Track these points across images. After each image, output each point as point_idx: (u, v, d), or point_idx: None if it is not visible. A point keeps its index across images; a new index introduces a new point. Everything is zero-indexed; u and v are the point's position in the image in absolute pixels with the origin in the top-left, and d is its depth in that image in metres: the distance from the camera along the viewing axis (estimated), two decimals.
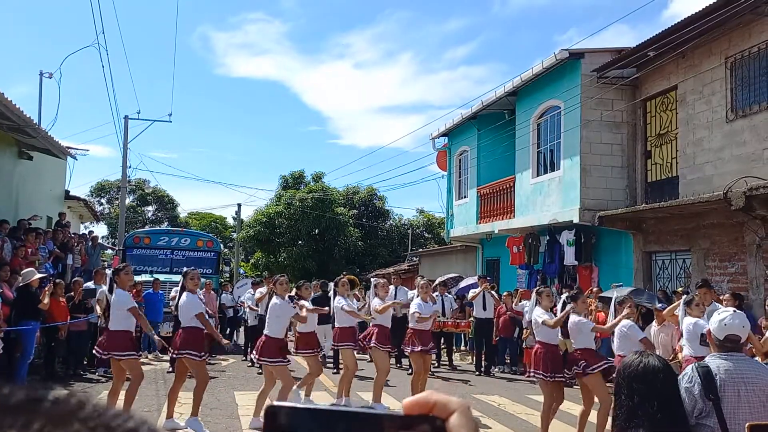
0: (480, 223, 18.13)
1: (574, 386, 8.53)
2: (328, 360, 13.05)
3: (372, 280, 10.04)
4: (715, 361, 3.38)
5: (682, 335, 7.62)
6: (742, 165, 10.40)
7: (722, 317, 3.51)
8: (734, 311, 3.67)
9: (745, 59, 10.63)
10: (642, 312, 9.89)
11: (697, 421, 3.27)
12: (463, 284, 16.25)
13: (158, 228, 33.74)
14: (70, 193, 22.12)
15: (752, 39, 10.42)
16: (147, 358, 13.52)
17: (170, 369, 11.10)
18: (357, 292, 13.61)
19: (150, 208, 46.56)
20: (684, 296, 8.00)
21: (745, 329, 3.59)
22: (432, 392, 0.56)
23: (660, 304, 9.29)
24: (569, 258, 14.21)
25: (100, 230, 42.16)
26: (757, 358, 7.86)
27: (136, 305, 7.41)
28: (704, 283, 8.91)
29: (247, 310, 13.96)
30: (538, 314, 7.43)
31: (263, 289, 12.06)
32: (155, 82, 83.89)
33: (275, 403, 0.56)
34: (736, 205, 9.50)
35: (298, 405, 0.56)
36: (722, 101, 11.02)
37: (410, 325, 9.38)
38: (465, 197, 19.46)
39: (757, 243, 10.20)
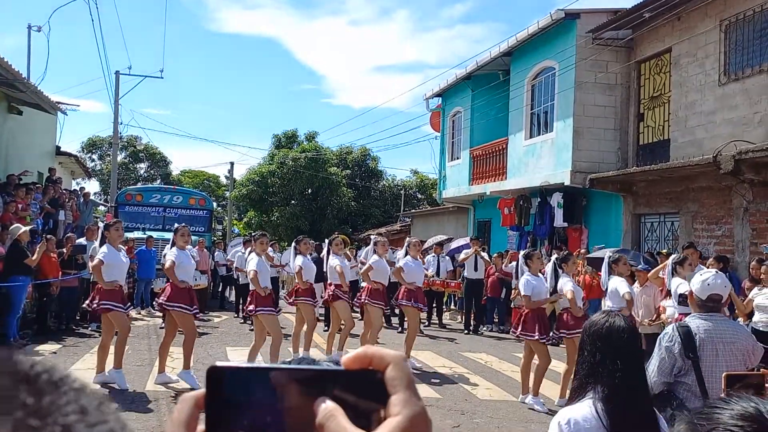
0: (472, 185, 18.17)
1: (560, 345, 8.70)
2: (319, 318, 13.20)
3: (372, 237, 10.13)
4: (695, 321, 3.46)
5: (665, 295, 7.75)
6: (733, 129, 10.43)
7: (705, 278, 3.58)
8: (716, 272, 3.76)
9: (739, 22, 10.56)
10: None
11: (676, 378, 3.37)
12: (454, 245, 16.37)
13: (150, 185, 33.64)
14: (61, 149, 21.96)
15: (747, 2, 10.34)
16: (140, 313, 13.66)
17: (162, 324, 11.22)
18: (348, 252, 13.70)
19: (142, 165, 46.31)
20: (672, 257, 8.12)
21: (726, 289, 3.68)
22: (368, 347, 0.57)
23: (645, 266, 9.41)
24: (559, 220, 14.31)
25: (92, 186, 42.05)
26: (740, 319, 8.04)
27: (101, 261, 7.30)
28: (690, 245, 9.04)
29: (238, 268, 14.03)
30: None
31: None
32: (146, 37, 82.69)
33: (217, 363, 0.55)
34: (725, 169, 9.56)
35: (239, 365, 0.55)
36: (715, 64, 10.99)
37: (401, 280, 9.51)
38: (458, 158, 19.46)
39: (744, 207, 10.29)
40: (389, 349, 0.57)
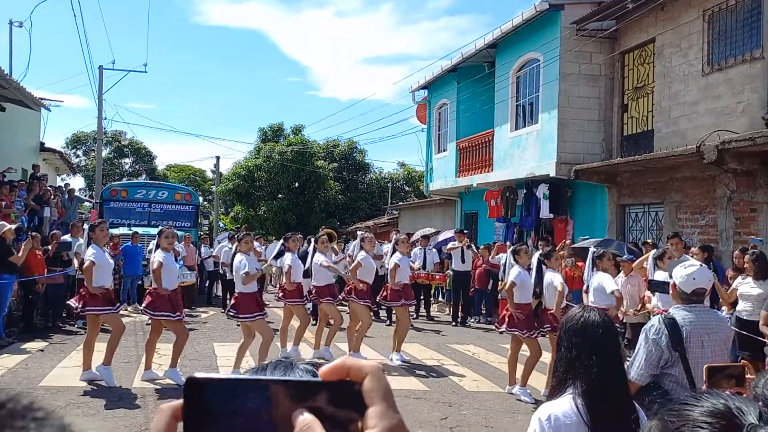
0: (459, 177, 18.20)
1: (545, 336, 8.75)
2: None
3: (359, 233, 10.11)
4: (680, 313, 3.45)
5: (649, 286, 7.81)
6: (717, 119, 10.50)
7: (690, 272, 3.54)
8: (701, 265, 3.75)
9: (722, 12, 10.62)
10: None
11: (662, 370, 3.36)
12: (441, 237, 16.41)
13: (136, 181, 33.41)
14: (45, 145, 21.77)
15: None
16: (126, 310, 13.59)
17: (149, 321, 11.18)
18: (335, 246, 13.68)
19: (127, 160, 45.93)
20: (654, 249, 8.19)
21: (710, 282, 3.71)
22: (346, 358, 0.57)
23: (630, 256, 9.48)
24: (545, 211, 14.37)
25: (77, 182, 41.72)
26: (724, 308, 8.13)
27: (93, 263, 7.27)
28: (675, 235, 9.11)
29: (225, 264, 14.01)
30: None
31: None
32: (130, 30, 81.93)
33: (196, 375, 0.56)
34: (709, 159, 9.63)
35: (218, 376, 0.56)
36: (699, 54, 11.05)
37: (390, 282, 9.53)
38: (444, 150, 19.47)
39: (728, 196, 10.38)
40: (365, 360, 0.58)
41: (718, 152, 9.44)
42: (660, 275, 7.37)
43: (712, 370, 2.80)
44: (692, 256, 8.56)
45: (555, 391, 2.35)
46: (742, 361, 7.47)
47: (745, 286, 7.61)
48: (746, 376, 2.72)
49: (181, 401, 0.55)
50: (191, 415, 0.55)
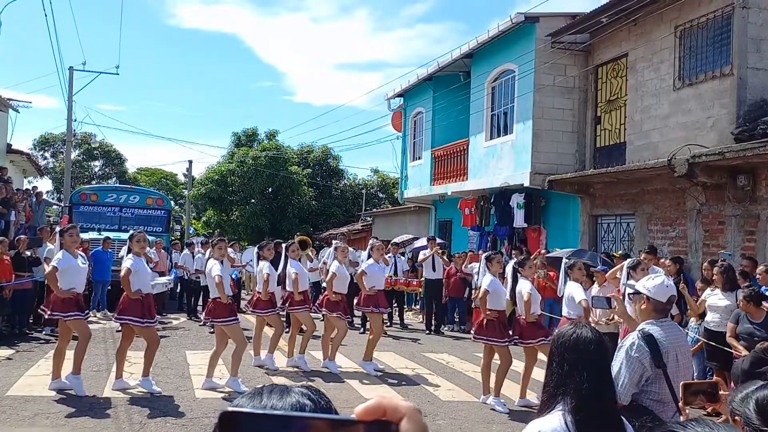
0: (433, 185, 18.27)
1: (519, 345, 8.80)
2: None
3: (333, 242, 10.08)
4: (653, 328, 3.43)
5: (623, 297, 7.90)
6: (687, 132, 10.71)
7: (662, 280, 3.56)
8: (664, 273, 3.81)
9: (693, 28, 10.85)
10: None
11: (641, 388, 3.35)
12: (417, 244, 16.48)
13: (106, 185, 32.94)
14: (13, 147, 21.33)
15: (701, 8, 10.63)
16: (96, 316, 13.36)
17: (119, 329, 11.01)
18: (309, 252, 13.64)
19: (97, 163, 45.27)
20: (627, 260, 8.29)
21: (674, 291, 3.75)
22: (382, 397, 0.57)
23: (603, 267, 9.60)
24: (519, 221, 14.50)
25: (45, 185, 40.97)
26: (692, 319, 8.27)
27: (55, 268, 7.11)
28: (651, 250, 9.26)
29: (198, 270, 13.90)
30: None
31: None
32: (102, 32, 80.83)
33: (228, 408, 0.56)
34: (679, 172, 9.81)
35: (252, 410, 0.56)
36: (670, 69, 11.27)
37: (366, 287, 9.52)
38: (419, 158, 19.54)
39: (698, 209, 10.59)
40: (403, 401, 0.57)
41: (688, 165, 9.63)
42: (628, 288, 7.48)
43: (687, 387, 2.85)
44: (664, 268, 8.71)
45: (544, 406, 2.35)
46: (710, 372, 7.61)
47: (714, 297, 7.76)
48: (720, 393, 2.78)
49: None
50: None
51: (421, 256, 14.21)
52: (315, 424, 0.55)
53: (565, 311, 7.80)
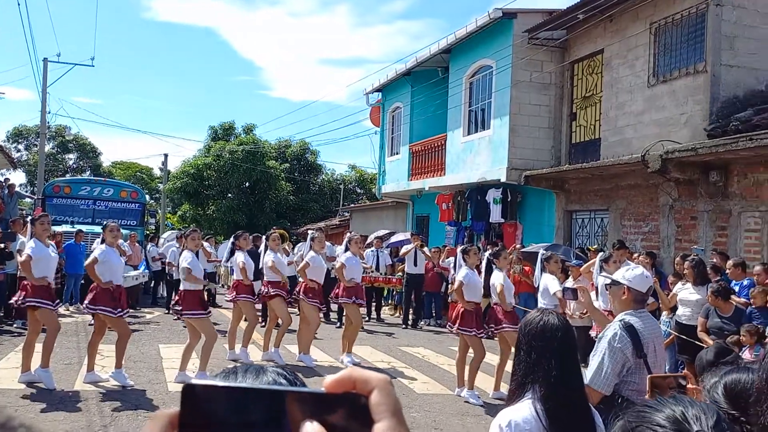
0: (411, 180, 18.29)
1: (495, 338, 8.86)
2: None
3: (309, 232, 10.03)
4: (633, 319, 3.43)
5: (596, 290, 8.00)
6: (661, 129, 10.83)
7: (641, 271, 3.58)
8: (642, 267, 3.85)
9: (668, 25, 10.97)
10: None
11: (622, 378, 3.35)
12: (394, 239, 16.49)
13: (80, 177, 32.49)
14: None
15: (676, 6, 10.75)
16: (68, 310, 13.19)
17: (91, 322, 10.88)
18: (286, 247, 13.58)
19: (71, 156, 44.59)
20: (599, 254, 8.39)
21: None
22: (353, 369, 0.55)
23: (578, 261, 9.69)
24: (495, 215, 14.58)
25: (18, 178, 40.34)
26: (664, 313, 8.39)
27: (30, 257, 7.03)
28: (621, 244, 9.35)
29: (170, 264, 13.79)
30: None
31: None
32: (77, 23, 79.65)
33: (192, 381, 0.54)
34: (653, 168, 9.92)
35: (215, 383, 0.54)
36: (645, 66, 11.38)
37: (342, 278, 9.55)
38: (397, 154, 19.54)
39: (670, 204, 10.72)
40: (374, 372, 0.56)
41: (661, 161, 9.74)
42: (603, 279, 7.56)
43: (654, 380, 2.88)
44: (638, 262, 8.81)
45: (513, 395, 2.34)
46: (682, 366, 7.72)
47: (685, 291, 7.87)
48: (688, 386, 2.81)
49: (177, 409, 0.53)
50: (188, 424, 0.53)
51: (403, 250, 14.23)
52: (281, 396, 0.53)
53: (540, 303, 7.86)
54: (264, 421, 0.53)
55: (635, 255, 9.70)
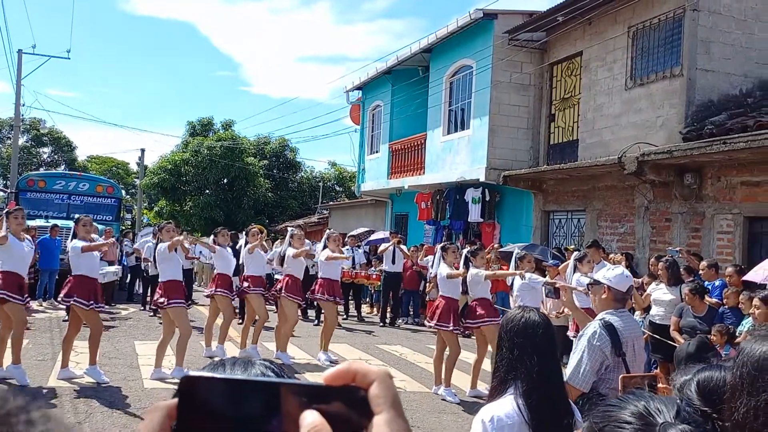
0: (390, 178, 18.32)
1: (471, 336, 8.92)
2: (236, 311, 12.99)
3: (288, 229, 10.00)
4: (613, 318, 3.47)
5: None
6: (638, 131, 10.97)
7: (621, 271, 3.63)
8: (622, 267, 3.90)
9: (646, 29, 11.10)
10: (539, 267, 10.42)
11: (600, 376, 3.39)
12: (373, 237, 16.50)
13: (55, 171, 32.04)
14: None
15: (654, 10, 10.88)
16: (41, 305, 13.02)
17: (66, 317, 10.74)
18: (264, 244, 13.50)
19: (46, 149, 43.95)
20: (574, 254, 8.49)
21: None
22: (352, 362, 0.55)
23: (554, 261, 9.79)
24: (474, 215, 14.66)
25: None
26: (637, 313, 8.50)
27: (6, 237, 6.92)
28: (594, 244, 9.46)
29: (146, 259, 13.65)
30: (443, 269, 7.71)
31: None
32: (53, 15, 78.50)
33: (190, 373, 0.54)
34: (629, 170, 10.05)
35: (214, 375, 0.54)
36: (623, 69, 11.52)
37: (320, 274, 9.58)
38: (377, 152, 19.56)
39: (646, 206, 10.87)
40: (373, 366, 0.56)
41: (638, 163, 9.86)
42: (578, 277, 7.69)
43: (626, 380, 2.93)
44: (612, 262, 8.92)
45: (495, 391, 2.37)
46: (655, 365, 7.84)
47: (659, 291, 7.99)
48: (658, 385, 2.86)
49: (175, 400, 0.54)
50: (185, 415, 0.53)
51: (381, 248, 14.24)
52: (279, 389, 0.53)
53: (518, 299, 7.93)
54: (260, 413, 0.53)
55: (610, 255, 9.83)
